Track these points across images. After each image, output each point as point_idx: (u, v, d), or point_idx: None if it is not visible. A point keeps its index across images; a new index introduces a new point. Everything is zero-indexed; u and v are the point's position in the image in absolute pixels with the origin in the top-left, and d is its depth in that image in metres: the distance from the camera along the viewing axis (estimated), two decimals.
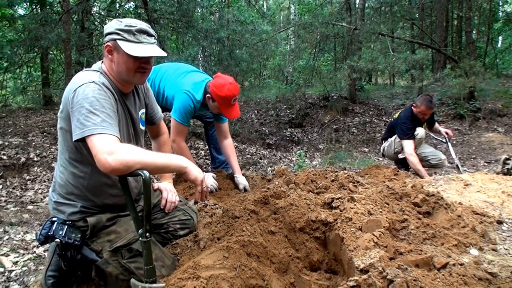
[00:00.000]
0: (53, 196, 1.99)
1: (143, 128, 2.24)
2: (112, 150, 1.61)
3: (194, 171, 1.84)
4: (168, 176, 2.48)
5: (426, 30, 12.90)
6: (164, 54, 1.96)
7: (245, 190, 3.46)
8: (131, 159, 1.62)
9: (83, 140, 1.69)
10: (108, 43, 1.89)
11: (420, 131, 4.69)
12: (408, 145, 4.67)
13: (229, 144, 3.63)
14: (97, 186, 1.95)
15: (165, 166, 1.82)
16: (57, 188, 1.99)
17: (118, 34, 1.85)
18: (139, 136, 2.19)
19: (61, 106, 1.86)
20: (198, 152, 6.06)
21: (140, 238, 1.66)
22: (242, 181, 3.49)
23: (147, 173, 1.61)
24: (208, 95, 3.24)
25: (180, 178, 3.58)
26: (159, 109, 2.45)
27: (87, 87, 1.76)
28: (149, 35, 1.92)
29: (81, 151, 1.87)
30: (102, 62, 2.01)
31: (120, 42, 1.84)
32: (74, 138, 1.70)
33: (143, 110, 2.24)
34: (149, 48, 1.90)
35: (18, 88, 7.73)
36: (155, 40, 1.97)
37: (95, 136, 1.65)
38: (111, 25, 1.89)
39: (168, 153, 2.54)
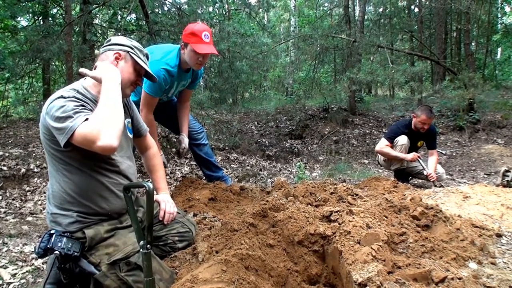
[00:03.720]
0: (49, 209, 2.01)
1: (131, 136, 2.32)
2: (96, 134, 1.71)
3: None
4: (165, 188, 2.50)
5: (425, 42, 12.98)
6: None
7: (182, 148, 3.60)
8: (111, 124, 1.76)
9: (69, 145, 1.79)
10: (119, 51, 2.10)
11: (401, 139, 4.72)
12: (381, 142, 4.90)
13: (186, 105, 3.77)
14: (88, 189, 1.98)
15: (113, 96, 1.88)
16: (51, 200, 2.01)
17: (132, 49, 2.13)
18: (128, 143, 2.26)
19: (40, 121, 1.93)
20: None
21: (141, 250, 1.67)
22: (185, 141, 3.63)
23: (150, 185, 1.63)
24: (181, 45, 3.21)
25: (180, 190, 3.59)
26: (144, 123, 2.52)
27: (57, 100, 1.85)
28: (148, 58, 2.28)
29: (64, 159, 1.92)
30: (84, 78, 2.09)
31: (134, 56, 2.13)
32: (62, 143, 1.78)
33: (129, 119, 2.32)
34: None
35: (19, 99, 7.78)
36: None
37: (77, 131, 1.74)
38: (124, 40, 2.15)
39: (160, 164, 2.60)
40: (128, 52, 2.11)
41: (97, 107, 1.84)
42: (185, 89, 3.67)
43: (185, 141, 3.63)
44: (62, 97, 1.86)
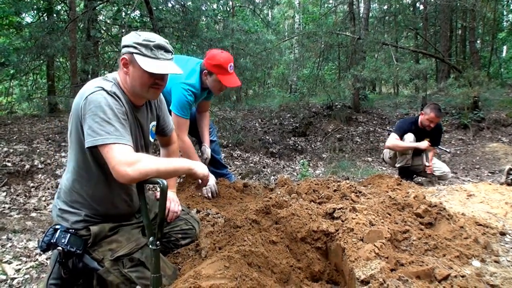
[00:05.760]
0: (58, 203, 1.99)
1: (152, 140, 2.25)
2: (130, 161, 1.66)
3: (200, 170, 1.90)
4: (172, 185, 2.49)
5: (430, 39, 12.93)
6: (180, 71, 1.95)
7: (205, 159, 3.63)
8: (148, 168, 1.68)
9: (95, 148, 1.72)
10: (124, 56, 1.88)
11: (408, 138, 4.72)
12: (391, 137, 4.90)
13: (205, 115, 3.79)
14: (102, 195, 1.96)
15: (175, 170, 1.88)
16: (62, 195, 1.99)
17: (135, 48, 1.85)
18: (148, 147, 2.20)
19: (71, 112, 1.85)
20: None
21: (150, 246, 1.68)
22: (207, 152, 3.66)
23: (165, 182, 1.65)
24: (204, 71, 3.24)
25: (183, 187, 3.60)
26: (171, 121, 2.45)
27: (99, 94, 1.77)
28: (166, 51, 1.92)
29: (88, 159, 1.87)
30: (117, 72, 2.01)
31: (137, 57, 1.84)
32: (87, 145, 1.72)
33: (154, 123, 2.24)
34: (165, 65, 1.89)
35: (24, 95, 7.79)
36: (172, 56, 1.96)
37: (109, 146, 1.68)
38: (129, 38, 1.88)
39: None
40: (132, 53, 1.85)
41: (162, 159, 1.84)
42: (203, 101, 3.71)
43: (207, 152, 3.69)
44: (104, 90, 1.79)
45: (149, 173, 1.68)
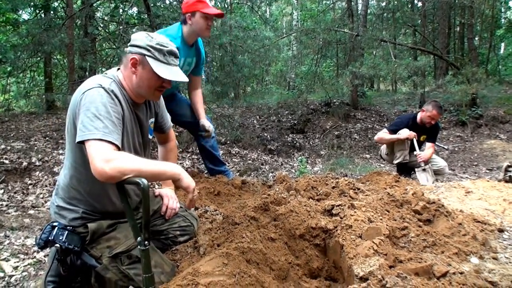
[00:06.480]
0: (56, 200, 1.99)
1: (150, 137, 2.25)
2: (108, 157, 1.63)
3: (187, 180, 1.86)
4: (170, 182, 2.48)
5: (428, 36, 12.93)
6: (186, 79, 2.02)
7: (206, 131, 3.61)
8: (127, 167, 1.64)
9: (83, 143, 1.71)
10: (135, 56, 1.89)
11: (403, 133, 4.72)
12: (381, 131, 4.95)
13: (198, 93, 3.77)
14: (99, 191, 1.95)
15: (161, 174, 1.83)
16: (59, 192, 1.99)
17: (148, 50, 1.87)
18: (146, 145, 2.19)
19: (69, 108, 1.86)
20: (199, 158, 6.06)
21: (139, 246, 1.67)
22: (206, 123, 3.63)
23: (145, 181, 1.61)
24: (188, 15, 3.27)
25: None
26: (169, 118, 2.45)
27: (96, 91, 1.77)
28: (176, 57, 1.97)
29: (85, 155, 1.85)
30: (118, 69, 2.01)
31: (149, 60, 1.87)
32: (76, 140, 1.72)
33: (153, 120, 2.24)
34: (176, 71, 1.95)
35: (21, 92, 7.75)
36: (178, 62, 2.01)
37: (93, 141, 1.66)
38: (142, 39, 1.90)
39: (174, 159, 2.56)
40: (144, 55, 1.88)
41: (148, 160, 1.77)
42: (193, 76, 3.68)
43: (208, 123, 3.65)
44: (102, 88, 1.79)
45: (127, 172, 1.64)
